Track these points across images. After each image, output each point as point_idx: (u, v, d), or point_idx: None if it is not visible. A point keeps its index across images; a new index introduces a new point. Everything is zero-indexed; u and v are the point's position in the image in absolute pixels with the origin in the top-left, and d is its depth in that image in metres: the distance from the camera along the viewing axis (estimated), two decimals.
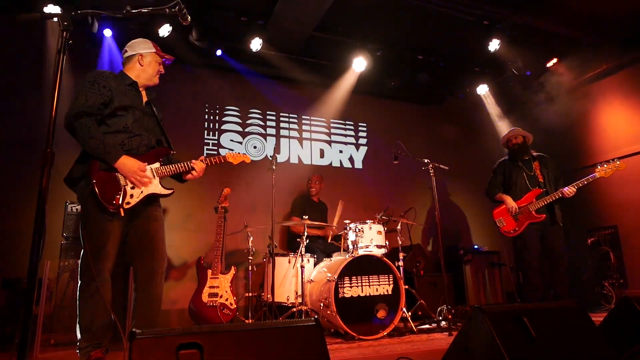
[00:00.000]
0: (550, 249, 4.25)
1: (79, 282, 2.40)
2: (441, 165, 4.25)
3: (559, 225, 4.26)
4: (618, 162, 4.04)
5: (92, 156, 2.39)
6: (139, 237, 2.55)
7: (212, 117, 5.46)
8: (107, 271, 2.42)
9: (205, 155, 5.24)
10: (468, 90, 6.48)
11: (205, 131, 5.38)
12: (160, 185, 2.59)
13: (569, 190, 4.12)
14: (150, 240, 2.57)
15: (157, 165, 2.60)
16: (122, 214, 2.41)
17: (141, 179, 2.48)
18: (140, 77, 2.70)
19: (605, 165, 4.07)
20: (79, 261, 2.45)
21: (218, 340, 1.39)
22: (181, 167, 2.69)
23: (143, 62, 2.70)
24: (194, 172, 2.73)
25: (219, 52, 5.08)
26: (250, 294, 4.25)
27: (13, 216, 4.07)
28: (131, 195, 2.46)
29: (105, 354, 2.43)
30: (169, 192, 2.63)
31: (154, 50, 2.73)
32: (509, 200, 4.35)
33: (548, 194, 4.23)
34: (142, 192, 2.50)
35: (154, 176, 2.57)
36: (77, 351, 2.40)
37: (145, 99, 2.72)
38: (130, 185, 2.47)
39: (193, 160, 2.72)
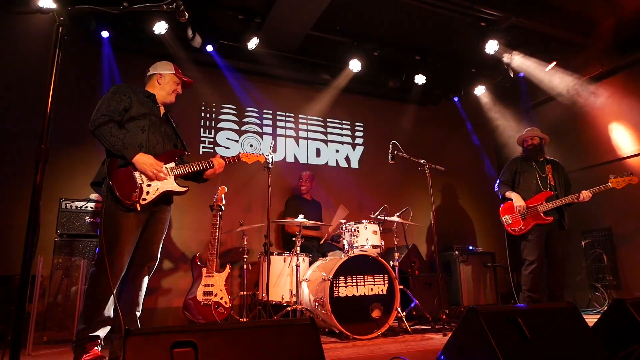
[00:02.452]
0: (553, 251, 4.27)
1: (91, 270, 2.54)
2: (437, 166, 4.26)
3: (566, 230, 4.30)
4: (632, 175, 4.10)
5: (113, 155, 2.57)
6: (142, 234, 2.69)
7: (208, 115, 5.45)
8: (120, 264, 2.54)
9: (201, 153, 5.25)
10: (464, 92, 6.50)
11: (202, 129, 5.36)
12: (175, 183, 2.76)
13: (585, 195, 4.16)
14: (150, 239, 2.73)
15: (172, 164, 2.78)
16: (139, 209, 2.57)
17: (157, 174, 2.64)
18: (158, 94, 2.93)
19: (619, 177, 4.12)
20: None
21: (212, 338, 1.39)
22: (198, 165, 2.89)
23: (161, 81, 2.94)
24: (214, 168, 2.93)
25: (209, 48, 5.04)
26: (245, 293, 4.24)
27: (7, 212, 4.05)
28: (147, 192, 2.62)
29: (99, 348, 2.46)
30: (184, 189, 2.80)
31: (173, 72, 2.98)
32: (517, 198, 4.35)
33: (558, 197, 4.26)
34: (157, 189, 2.66)
35: (170, 174, 2.74)
36: (73, 344, 2.42)
37: (163, 110, 2.94)
38: (146, 182, 2.63)
39: (212, 158, 2.93)
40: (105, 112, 2.58)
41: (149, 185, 2.64)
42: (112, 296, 2.47)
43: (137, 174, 2.61)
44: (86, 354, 2.38)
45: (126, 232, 2.54)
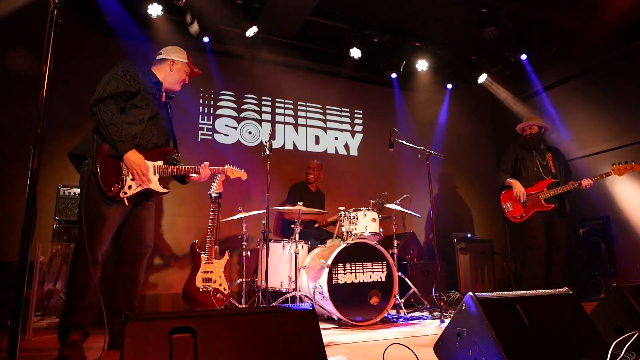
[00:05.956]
0: (552, 238, 4.29)
1: (72, 260, 2.49)
2: (436, 154, 4.24)
3: (565, 218, 4.32)
4: (633, 163, 4.10)
5: (104, 139, 2.52)
6: (130, 224, 2.71)
7: (206, 102, 5.41)
8: (101, 254, 2.51)
9: (199, 139, 5.23)
10: (464, 79, 6.44)
11: (200, 116, 5.33)
12: (158, 183, 2.73)
13: (587, 182, 4.17)
14: (140, 228, 2.75)
15: (160, 163, 2.75)
16: (125, 202, 2.55)
17: (142, 176, 2.59)
18: (165, 80, 2.89)
19: (620, 165, 4.12)
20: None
21: (211, 324, 1.39)
22: (186, 169, 2.88)
23: (173, 69, 2.91)
24: (199, 175, 2.93)
25: (205, 39, 5.02)
26: (244, 280, 4.25)
27: (5, 199, 4.03)
28: (129, 187, 2.59)
29: (83, 336, 2.44)
30: (165, 191, 2.78)
31: (186, 61, 2.97)
32: (518, 185, 4.35)
33: (559, 185, 4.26)
34: (139, 185, 2.64)
35: (155, 173, 2.71)
36: (58, 333, 2.40)
37: (164, 99, 2.90)
38: (130, 176, 2.59)
39: (202, 165, 2.94)
40: (111, 94, 2.52)
41: (132, 180, 2.60)
42: (93, 285, 2.41)
43: (124, 165, 2.57)
44: (68, 340, 2.35)
45: (107, 222, 2.50)
